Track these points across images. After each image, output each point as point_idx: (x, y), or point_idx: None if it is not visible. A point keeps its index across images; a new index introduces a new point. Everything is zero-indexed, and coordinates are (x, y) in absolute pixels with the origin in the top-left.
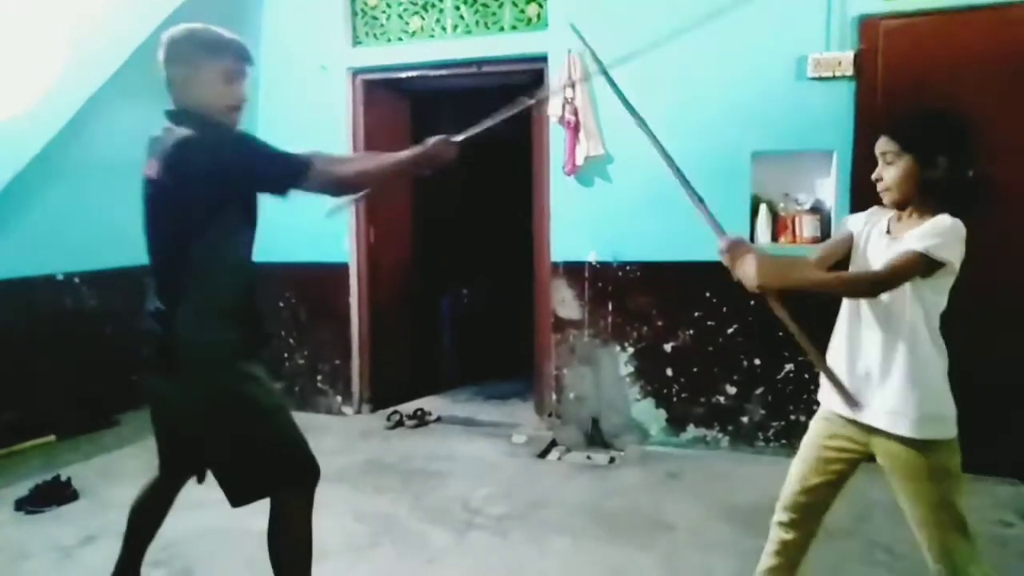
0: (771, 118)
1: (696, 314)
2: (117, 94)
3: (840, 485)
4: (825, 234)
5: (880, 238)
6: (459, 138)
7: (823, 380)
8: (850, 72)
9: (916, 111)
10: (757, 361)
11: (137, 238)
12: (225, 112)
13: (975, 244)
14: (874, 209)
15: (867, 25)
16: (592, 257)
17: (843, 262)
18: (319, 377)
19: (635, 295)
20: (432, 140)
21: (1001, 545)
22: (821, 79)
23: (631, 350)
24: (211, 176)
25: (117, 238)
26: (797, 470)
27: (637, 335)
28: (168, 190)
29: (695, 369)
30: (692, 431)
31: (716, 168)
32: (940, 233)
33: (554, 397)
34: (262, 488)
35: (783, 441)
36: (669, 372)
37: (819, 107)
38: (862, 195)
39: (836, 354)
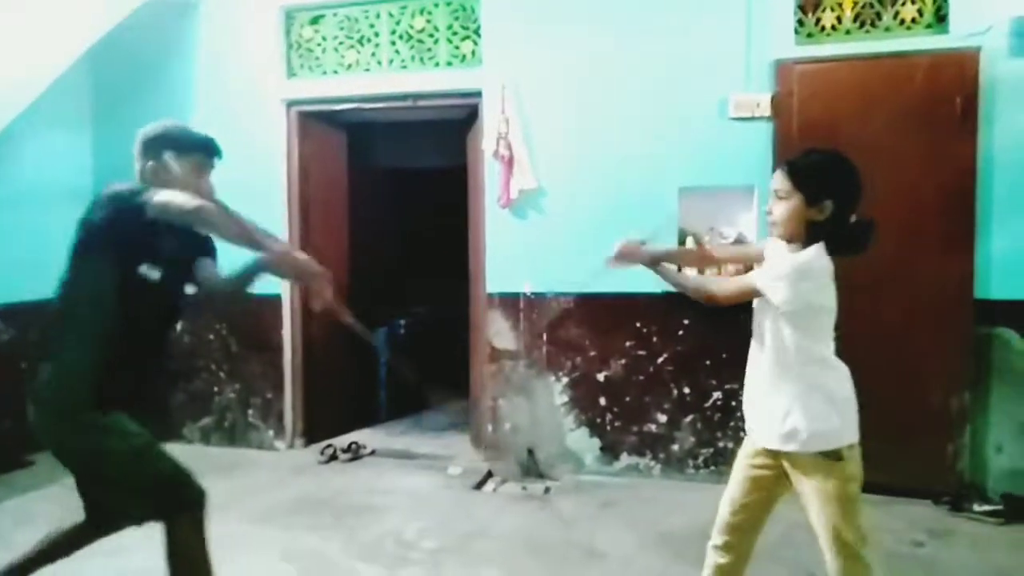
0: (696, 155)
1: (627, 344)
2: (37, 122)
3: (769, 504)
4: (747, 267)
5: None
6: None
7: (746, 404)
8: (768, 113)
9: (811, 153)
10: (686, 389)
11: (56, 270)
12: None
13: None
14: (773, 240)
15: (783, 69)
16: (527, 288)
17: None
18: (250, 411)
19: (569, 326)
20: (281, 247)
21: (913, 563)
22: (741, 119)
23: (565, 380)
24: (85, 221)
25: (33, 269)
26: (728, 491)
27: (571, 365)
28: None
29: (627, 398)
30: (625, 459)
31: (645, 202)
32: (783, 276)
33: (490, 428)
34: (144, 516)
35: (712, 467)
36: (603, 401)
37: (740, 145)
38: None
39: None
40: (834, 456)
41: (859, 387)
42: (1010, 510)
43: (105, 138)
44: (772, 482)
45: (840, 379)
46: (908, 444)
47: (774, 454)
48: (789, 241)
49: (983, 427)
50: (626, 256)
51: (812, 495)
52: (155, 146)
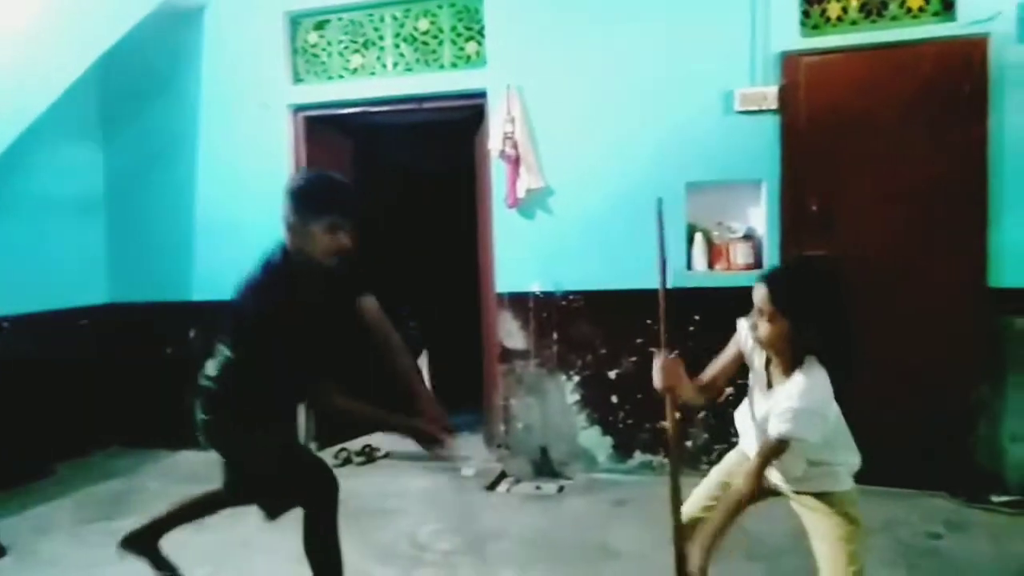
0: (703, 150)
1: (638, 341)
2: (48, 133)
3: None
4: (758, 260)
5: (760, 376)
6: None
7: (743, 433)
8: (775, 105)
9: (790, 270)
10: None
11: (72, 277)
12: (326, 257)
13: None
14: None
15: (789, 61)
16: (536, 288)
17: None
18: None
19: (579, 324)
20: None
21: (932, 556)
22: (748, 112)
23: (576, 379)
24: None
25: (49, 278)
26: (699, 490)
27: (582, 363)
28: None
29: (639, 395)
30: (638, 457)
31: (652, 199)
32: (796, 416)
33: (503, 428)
34: (284, 504)
35: None
36: (614, 399)
37: (747, 139)
38: (791, 222)
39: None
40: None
41: (876, 381)
42: None
43: (115, 147)
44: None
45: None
46: (925, 436)
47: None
48: (777, 355)
49: (999, 417)
50: (670, 378)
51: (814, 528)
52: (294, 202)
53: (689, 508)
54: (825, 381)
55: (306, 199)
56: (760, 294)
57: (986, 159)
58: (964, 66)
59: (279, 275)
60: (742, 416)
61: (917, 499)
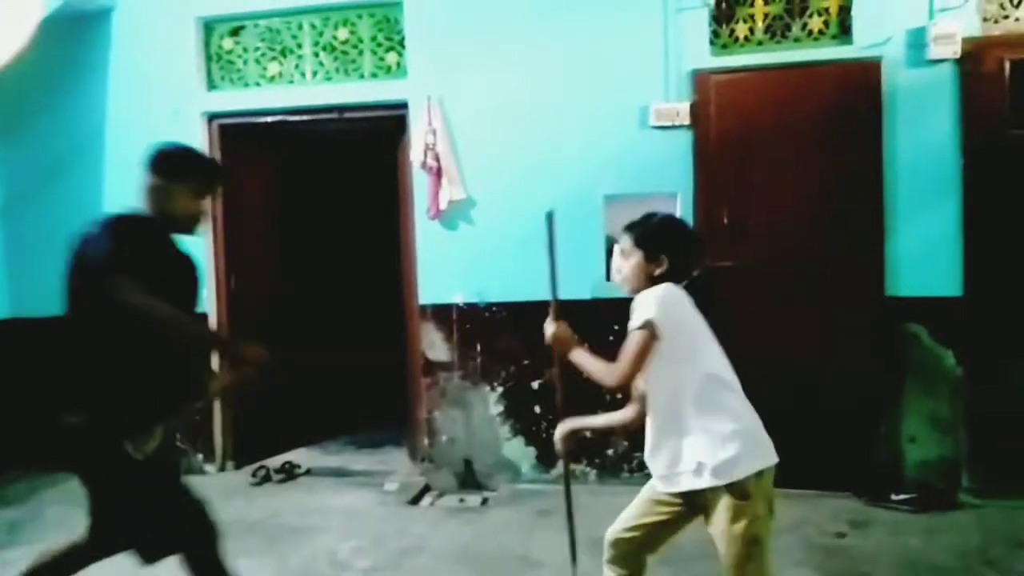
0: (620, 163)
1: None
2: None
3: (669, 533)
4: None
5: None
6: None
7: (649, 458)
8: (687, 121)
9: (650, 216)
10: (619, 394)
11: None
12: (189, 222)
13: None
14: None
15: (700, 79)
16: (459, 299)
17: None
18: (176, 434)
19: (502, 335)
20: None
21: (837, 554)
22: (662, 127)
23: (500, 390)
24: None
25: None
26: (629, 510)
27: (506, 374)
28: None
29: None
30: (561, 467)
31: (573, 211)
32: (644, 305)
33: (426, 441)
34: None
35: (647, 471)
36: (537, 409)
37: (662, 153)
38: (704, 234)
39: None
40: (739, 493)
41: (781, 388)
42: (923, 498)
43: (14, 156)
44: (677, 516)
45: (736, 402)
46: (830, 440)
47: (683, 495)
48: (637, 293)
49: (898, 420)
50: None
51: (719, 537)
52: (157, 166)
53: (616, 527)
54: (680, 292)
55: (173, 161)
56: (622, 236)
57: (882, 175)
58: (861, 87)
59: (129, 223)
60: (650, 438)
61: (823, 500)
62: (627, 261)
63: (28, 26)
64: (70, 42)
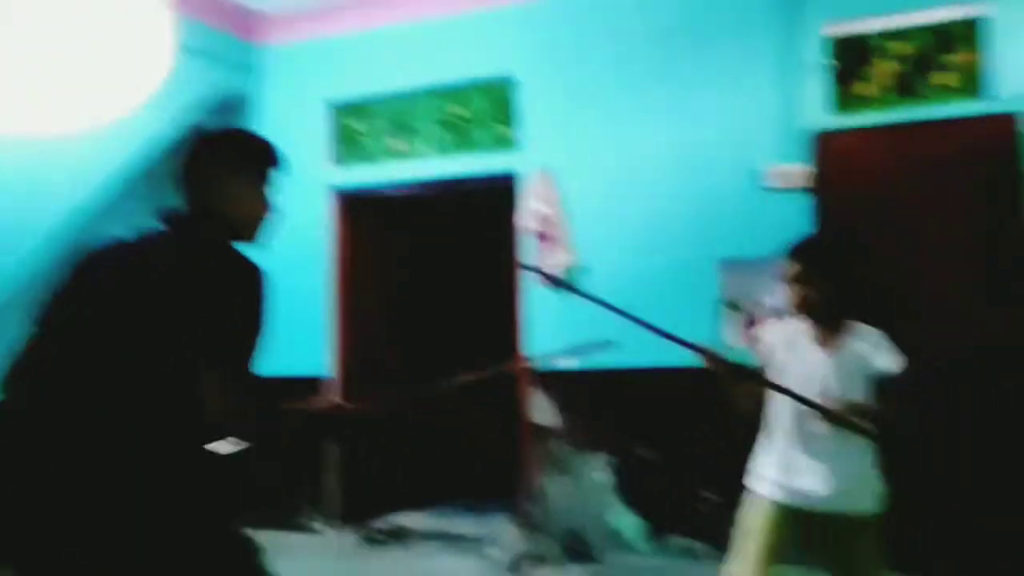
0: (735, 227)
1: (672, 420)
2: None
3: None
4: None
5: (812, 351)
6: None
7: (770, 474)
8: (805, 183)
9: (810, 240)
10: (737, 467)
11: None
12: (255, 227)
13: None
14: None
15: (820, 139)
16: (567, 364)
17: None
18: (294, 494)
19: (611, 402)
20: (324, 403)
21: None
22: (779, 190)
23: (609, 458)
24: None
25: None
26: (751, 553)
27: (615, 442)
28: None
29: (675, 476)
30: (673, 541)
31: (685, 280)
32: (883, 343)
33: (533, 508)
34: None
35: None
36: (649, 480)
37: (778, 216)
38: None
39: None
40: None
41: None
42: None
43: None
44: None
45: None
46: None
47: (816, 516)
48: (822, 319)
49: None
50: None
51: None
52: (218, 151)
53: (746, 571)
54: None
55: (239, 144)
56: (792, 266)
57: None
58: (994, 143)
59: (223, 253)
60: (787, 414)
61: None
62: (806, 289)
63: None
64: (215, 125)
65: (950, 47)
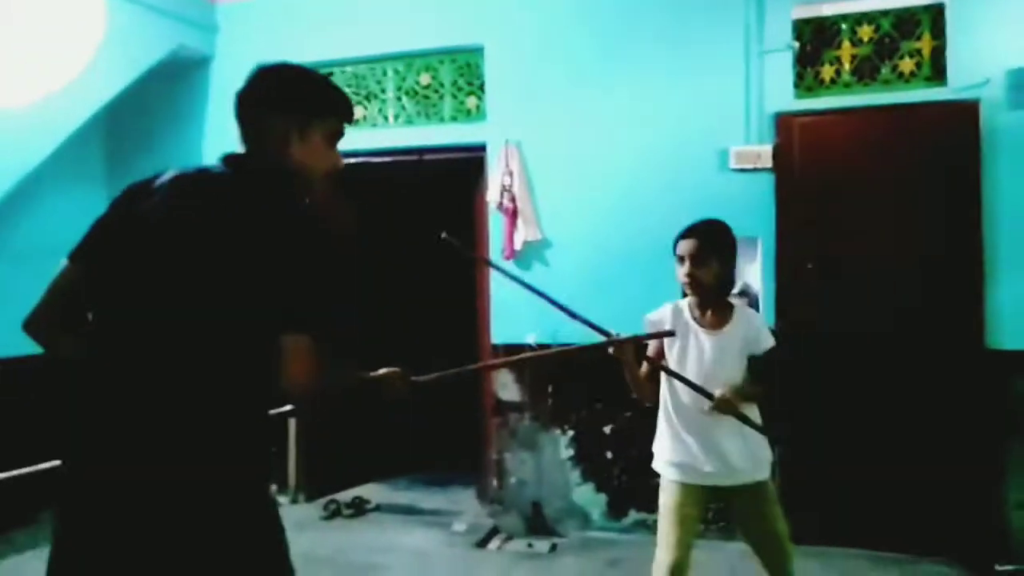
0: (699, 207)
1: (633, 395)
2: (52, 177)
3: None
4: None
5: (699, 332)
6: (421, 379)
7: (671, 457)
8: (769, 164)
9: (709, 224)
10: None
11: None
12: (324, 182)
13: None
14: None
15: (783, 121)
16: (531, 340)
17: None
18: None
19: (574, 378)
20: (385, 372)
21: None
22: (743, 170)
23: (571, 433)
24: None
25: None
26: (677, 536)
27: (577, 417)
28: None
29: (635, 451)
30: (633, 515)
31: (649, 255)
32: (761, 325)
33: (495, 482)
34: None
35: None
36: (609, 455)
37: (742, 196)
38: (787, 279)
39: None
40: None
41: (874, 448)
42: None
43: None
44: (700, 520)
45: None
46: (928, 504)
47: (711, 493)
48: (708, 298)
49: (1005, 485)
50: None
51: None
52: (291, 97)
53: (679, 554)
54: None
55: (310, 88)
56: (692, 244)
57: (980, 223)
58: (956, 131)
59: (302, 215)
60: (679, 397)
61: (920, 565)
62: (702, 269)
63: (134, 71)
64: (174, 88)
65: (914, 33)
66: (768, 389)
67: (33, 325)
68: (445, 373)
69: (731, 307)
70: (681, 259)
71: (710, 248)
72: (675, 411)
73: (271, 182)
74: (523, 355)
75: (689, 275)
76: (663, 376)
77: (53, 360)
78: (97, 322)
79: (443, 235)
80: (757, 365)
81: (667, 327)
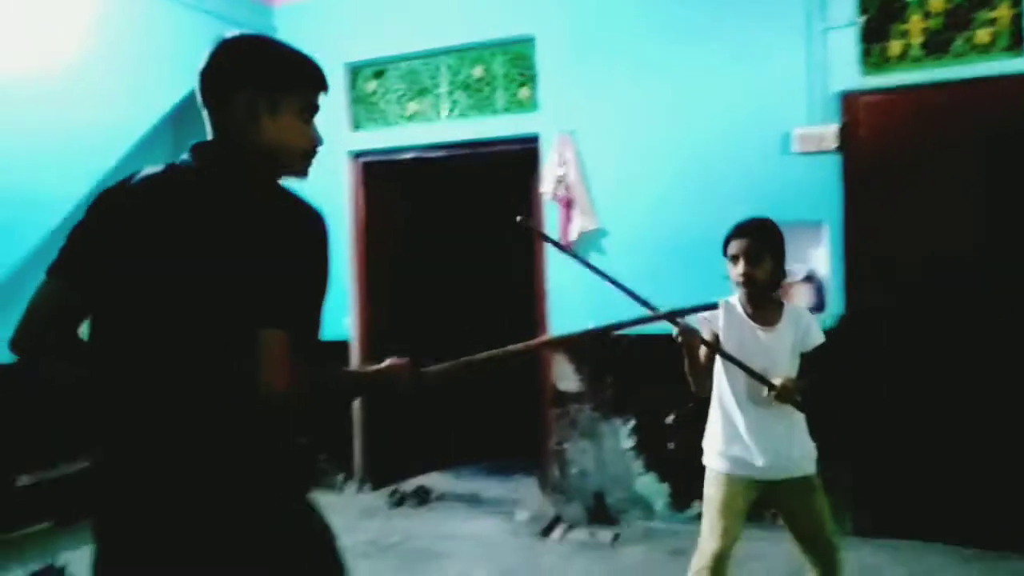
0: (761, 192)
1: (692, 388)
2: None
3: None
4: (820, 302)
5: (752, 329)
6: (431, 370)
7: (722, 449)
8: (834, 146)
9: (763, 222)
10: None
11: None
12: (301, 162)
13: None
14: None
15: (848, 100)
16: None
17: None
18: (322, 456)
19: (634, 367)
20: (389, 363)
21: None
22: (807, 153)
23: (632, 423)
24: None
25: None
26: (724, 526)
27: (638, 407)
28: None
29: (696, 441)
30: (696, 507)
31: (710, 241)
32: (811, 320)
33: (557, 472)
34: None
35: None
36: (671, 445)
37: (806, 180)
38: (854, 264)
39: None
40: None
41: (946, 442)
42: None
43: None
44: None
45: None
46: (1018, 497)
47: (762, 486)
48: (762, 295)
49: None
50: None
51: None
52: (255, 71)
53: (725, 543)
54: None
55: (276, 58)
56: (746, 243)
57: None
58: None
59: (297, 206)
60: (732, 390)
61: (1004, 562)
62: (758, 267)
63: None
64: None
65: (989, 1)
66: (816, 384)
67: (19, 344)
68: (456, 362)
69: (781, 304)
70: (735, 258)
71: (764, 246)
72: (729, 403)
73: (241, 168)
74: (542, 339)
75: (745, 274)
76: (716, 368)
77: (41, 377)
78: (106, 333)
79: (519, 219)
80: (808, 361)
81: (720, 324)
